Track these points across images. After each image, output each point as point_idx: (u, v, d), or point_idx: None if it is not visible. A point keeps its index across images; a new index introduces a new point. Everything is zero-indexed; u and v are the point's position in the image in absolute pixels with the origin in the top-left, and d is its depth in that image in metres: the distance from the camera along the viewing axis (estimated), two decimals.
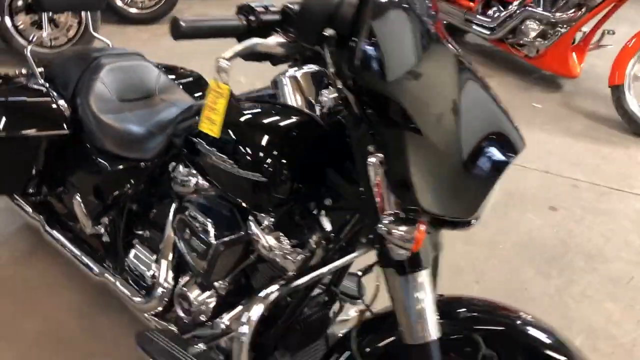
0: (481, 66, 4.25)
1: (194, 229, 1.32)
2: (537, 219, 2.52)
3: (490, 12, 4.18)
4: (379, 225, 1.00)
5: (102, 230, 1.71)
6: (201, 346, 1.41)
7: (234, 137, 1.16)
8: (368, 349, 1.12)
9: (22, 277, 2.03)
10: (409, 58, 0.92)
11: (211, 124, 0.84)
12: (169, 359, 1.34)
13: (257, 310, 1.16)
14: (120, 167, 1.62)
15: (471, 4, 4.30)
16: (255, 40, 0.90)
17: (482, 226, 2.39)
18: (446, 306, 1.15)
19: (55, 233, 1.82)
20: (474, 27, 4.19)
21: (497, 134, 1.00)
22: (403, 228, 0.97)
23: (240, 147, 1.15)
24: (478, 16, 4.18)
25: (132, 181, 1.61)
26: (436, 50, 0.98)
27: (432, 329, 1.04)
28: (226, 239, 1.28)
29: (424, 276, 1.04)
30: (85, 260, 1.72)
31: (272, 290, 1.19)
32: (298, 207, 1.25)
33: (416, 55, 0.93)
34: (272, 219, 1.25)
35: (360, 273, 1.26)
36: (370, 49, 0.88)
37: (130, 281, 1.63)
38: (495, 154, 0.99)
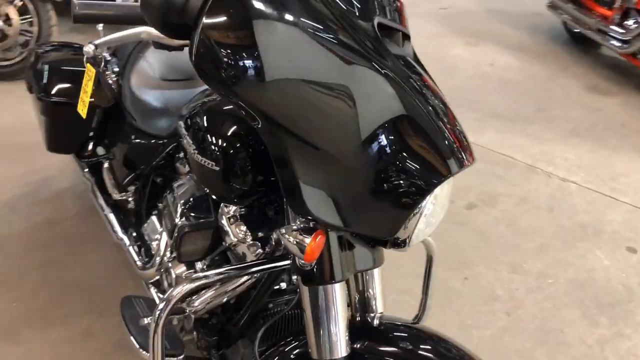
0: (605, 81, 3.83)
1: (169, 208, 1.38)
2: (607, 259, 2.23)
3: (627, 22, 3.74)
4: (279, 231, 0.97)
5: (128, 197, 1.84)
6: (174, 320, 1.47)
7: (196, 124, 1.18)
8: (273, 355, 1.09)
9: (79, 231, 2.28)
10: (281, 60, 0.81)
11: (83, 105, 0.86)
12: (135, 327, 1.42)
13: (180, 289, 1.15)
14: (145, 141, 1.72)
15: (608, 12, 3.88)
16: (137, 30, 0.89)
17: (537, 256, 2.27)
18: (389, 330, 1.08)
19: (98, 195, 1.99)
20: (607, 38, 3.78)
21: (427, 151, 0.90)
22: (299, 237, 0.93)
23: (200, 135, 1.18)
24: (612, 27, 3.76)
25: (155, 156, 1.71)
26: (359, 50, 0.90)
27: (339, 347, 0.99)
28: (192, 221, 1.32)
29: (333, 290, 0.99)
30: (111, 222, 1.87)
31: (209, 274, 1.20)
32: (265, 202, 1.25)
33: (304, 57, 0.83)
34: (239, 211, 1.26)
35: None
36: (204, 48, 0.80)
37: (141, 248, 1.74)
38: (418, 175, 0.88)
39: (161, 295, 1.62)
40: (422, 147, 0.88)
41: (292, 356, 1.08)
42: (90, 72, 0.85)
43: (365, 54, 0.86)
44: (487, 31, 4.60)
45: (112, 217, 1.90)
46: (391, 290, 2.01)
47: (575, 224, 2.39)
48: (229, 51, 0.78)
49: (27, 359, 1.75)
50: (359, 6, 0.89)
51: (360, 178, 0.86)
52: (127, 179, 1.82)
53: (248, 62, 0.78)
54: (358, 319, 1.10)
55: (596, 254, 2.25)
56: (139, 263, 1.69)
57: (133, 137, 1.76)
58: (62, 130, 1.96)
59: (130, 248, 1.76)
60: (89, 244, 2.20)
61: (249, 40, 0.77)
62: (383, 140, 0.86)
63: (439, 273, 2.10)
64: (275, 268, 1.11)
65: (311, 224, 0.95)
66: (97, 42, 0.85)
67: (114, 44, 0.87)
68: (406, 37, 1.02)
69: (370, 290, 1.14)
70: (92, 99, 1.87)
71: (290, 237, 0.94)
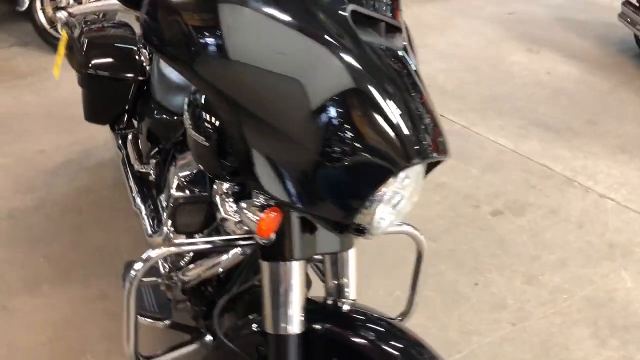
0: None
1: (169, 179, 1.45)
2: (632, 281, 2.13)
3: None
4: (240, 205, 1.00)
5: (150, 170, 1.94)
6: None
7: (194, 101, 1.24)
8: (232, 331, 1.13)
9: (113, 200, 2.42)
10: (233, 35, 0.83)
11: (56, 66, 0.93)
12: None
13: (158, 252, 1.19)
14: (167, 117, 1.81)
15: None
16: (111, 1, 0.94)
17: (556, 269, 2.20)
18: (358, 318, 1.10)
19: (125, 165, 2.11)
20: None
21: (385, 138, 0.91)
22: (257, 212, 0.97)
23: (196, 111, 1.23)
24: None
25: (175, 132, 1.80)
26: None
27: (292, 324, 1.02)
28: (186, 193, 1.38)
29: (291, 268, 1.02)
30: (132, 191, 1.98)
31: (189, 241, 1.25)
32: None
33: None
34: (232, 188, 1.32)
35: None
36: (152, 19, 0.82)
37: (154, 219, 1.84)
38: (372, 161, 0.89)
39: (165, 265, 1.70)
40: (380, 133, 0.87)
41: (252, 329, 1.13)
42: (63, 37, 0.92)
43: (327, 38, 0.87)
44: (551, 39, 4.44)
45: (133, 186, 2.00)
46: (398, 287, 2.01)
47: (604, 242, 2.29)
48: (178, 21, 0.81)
49: (43, 311, 1.88)
50: None
51: (312, 159, 0.87)
52: (150, 152, 1.92)
53: (200, 36, 0.80)
54: (329, 302, 1.13)
55: (621, 274, 2.15)
56: (149, 231, 1.78)
57: (156, 112, 1.85)
58: (99, 102, 2.09)
59: (145, 216, 1.86)
60: (120, 213, 2.33)
61: (203, 14, 0.81)
62: (335, 123, 0.86)
63: (449, 275, 2.09)
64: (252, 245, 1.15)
65: (272, 202, 0.98)
66: (71, 10, 0.92)
67: (88, 12, 0.93)
68: (395, 29, 1.03)
69: (344, 277, 1.17)
70: (131, 74, 1.99)
71: (248, 212, 0.98)
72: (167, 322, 1.44)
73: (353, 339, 1.05)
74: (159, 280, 1.42)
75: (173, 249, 1.18)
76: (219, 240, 1.16)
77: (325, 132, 0.86)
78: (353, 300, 1.20)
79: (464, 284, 2.07)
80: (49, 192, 2.47)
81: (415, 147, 0.89)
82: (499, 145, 2.97)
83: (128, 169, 2.10)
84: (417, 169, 0.99)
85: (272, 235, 0.99)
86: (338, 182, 0.88)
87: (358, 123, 0.86)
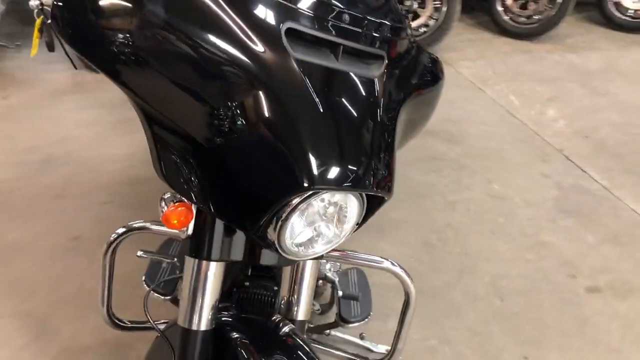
0: None
1: None
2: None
3: None
4: (163, 195, 1.06)
5: None
6: None
7: None
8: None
9: (152, 190, 2.53)
10: None
11: (34, 48, 1.07)
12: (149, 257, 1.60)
13: (132, 226, 1.30)
14: None
15: None
16: None
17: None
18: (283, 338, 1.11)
19: None
20: None
21: (286, 157, 0.86)
22: (168, 200, 1.02)
23: None
24: None
25: None
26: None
27: (201, 321, 1.05)
28: None
29: (206, 267, 1.04)
30: None
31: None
32: None
33: None
34: None
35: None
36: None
37: None
38: (274, 178, 0.87)
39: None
40: (286, 151, 0.86)
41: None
42: (37, 23, 1.06)
43: (244, 49, 0.87)
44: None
45: None
46: (436, 336, 1.88)
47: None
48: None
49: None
50: (268, 10, 0.90)
51: (216, 166, 0.89)
52: None
53: (113, 38, 0.82)
54: (277, 318, 1.14)
55: None
56: None
57: None
58: None
59: None
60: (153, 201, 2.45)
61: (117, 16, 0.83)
62: (240, 134, 0.87)
63: (498, 339, 1.89)
64: None
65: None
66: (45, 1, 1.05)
67: None
68: (376, 57, 1.01)
69: (295, 295, 1.17)
70: None
71: (163, 202, 1.04)
72: (167, 297, 1.55)
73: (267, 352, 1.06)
74: (166, 259, 1.54)
75: (148, 225, 1.29)
76: None
77: (230, 139, 0.87)
78: (301, 320, 1.19)
79: (510, 353, 1.85)
80: (100, 177, 2.77)
81: (326, 174, 0.87)
82: (638, 216, 2.55)
83: None
84: (349, 199, 0.95)
85: (186, 230, 1.04)
86: (241, 189, 0.89)
87: (265, 135, 0.87)
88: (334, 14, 0.95)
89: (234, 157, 0.88)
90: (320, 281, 1.60)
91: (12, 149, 2.81)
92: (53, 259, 2.10)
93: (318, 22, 0.93)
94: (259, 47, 0.87)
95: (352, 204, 0.96)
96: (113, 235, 1.30)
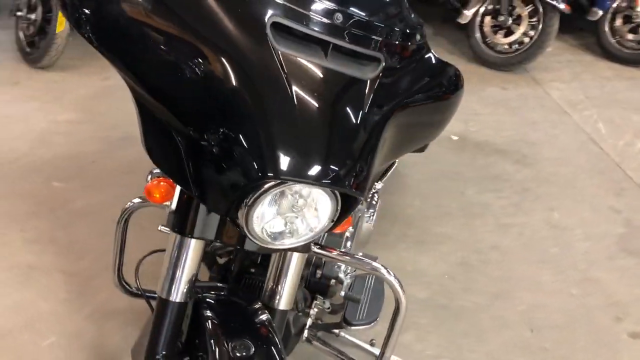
0: None
1: None
2: None
3: None
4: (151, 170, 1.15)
5: None
6: None
7: None
8: None
9: None
10: None
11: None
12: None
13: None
14: None
15: None
16: None
17: None
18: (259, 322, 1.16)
19: None
20: None
21: (254, 146, 0.91)
22: (152, 176, 1.11)
23: None
24: None
25: None
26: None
27: (178, 292, 1.12)
28: None
29: (186, 243, 1.10)
30: None
31: None
32: None
33: None
34: None
35: None
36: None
37: None
38: (243, 164, 0.91)
39: None
40: (253, 140, 0.90)
41: None
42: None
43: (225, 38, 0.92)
44: None
45: None
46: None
47: None
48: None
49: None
50: (258, 2, 0.94)
51: (193, 147, 0.95)
52: None
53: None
54: (257, 305, 1.20)
55: None
56: None
57: None
58: None
59: None
60: None
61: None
62: (215, 119, 0.93)
63: None
64: None
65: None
66: None
67: None
68: (373, 59, 1.04)
69: (280, 285, 1.23)
70: None
71: (149, 176, 1.13)
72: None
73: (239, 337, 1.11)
74: None
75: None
76: None
77: (207, 123, 0.92)
78: (282, 309, 1.24)
79: None
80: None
81: (292, 166, 0.91)
82: None
83: None
84: (320, 195, 0.99)
85: (169, 205, 1.12)
86: (215, 170, 0.94)
87: (239, 122, 0.92)
88: (324, 12, 0.97)
89: (209, 139, 0.93)
90: (333, 281, 1.63)
91: (100, 125, 3.09)
92: (111, 228, 2.29)
93: (306, 18, 0.96)
94: (243, 38, 0.92)
95: (323, 200, 0.99)
96: (128, 204, 1.40)
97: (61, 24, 3.39)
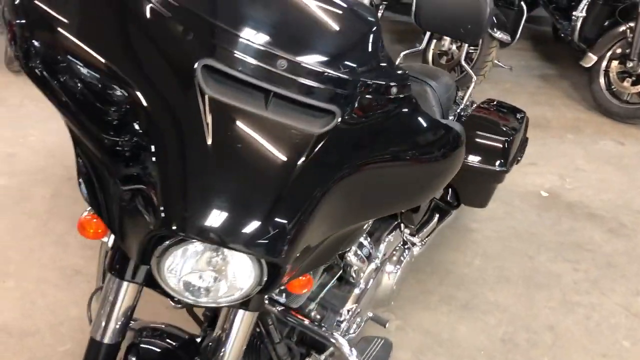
0: None
1: None
2: None
3: None
4: None
5: None
6: None
7: None
8: None
9: None
10: None
11: None
12: None
13: None
14: None
15: None
16: None
17: None
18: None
19: None
20: None
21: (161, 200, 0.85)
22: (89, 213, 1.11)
23: None
24: None
25: None
26: None
27: (107, 333, 1.08)
28: None
29: (117, 285, 1.06)
30: None
31: None
32: None
33: None
34: None
35: None
36: None
37: None
38: (144, 214, 0.87)
39: None
40: (163, 188, 0.86)
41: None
42: None
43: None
44: None
45: None
46: None
47: None
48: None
49: None
50: (189, 44, 0.89)
51: (111, 189, 0.92)
52: None
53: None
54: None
55: None
56: None
57: None
58: None
59: None
60: None
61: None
62: (132, 161, 0.90)
63: None
64: None
65: None
66: None
67: None
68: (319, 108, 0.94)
69: (219, 344, 1.16)
70: None
71: (86, 211, 1.12)
72: None
73: None
74: None
75: None
76: None
77: (126, 163, 0.90)
78: None
79: None
80: None
81: (201, 222, 0.84)
82: None
83: None
84: (234, 256, 0.92)
85: (106, 242, 1.11)
86: (127, 216, 0.92)
87: (150, 167, 0.88)
88: (265, 57, 0.89)
89: (125, 181, 0.90)
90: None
91: None
92: None
93: (243, 64, 0.89)
94: (170, 79, 0.88)
95: (237, 262, 0.92)
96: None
97: None
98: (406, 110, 1.05)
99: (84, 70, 0.90)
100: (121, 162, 0.90)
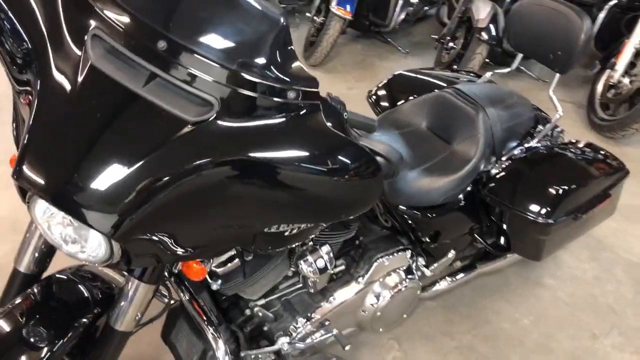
0: None
1: None
2: None
3: None
4: None
5: None
6: None
7: None
8: None
9: None
10: None
11: None
12: None
13: None
14: None
15: None
16: None
17: None
18: None
19: None
20: None
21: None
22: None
23: None
24: None
25: None
26: None
27: (23, 262, 1.27)
28: None
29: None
30: None
31: None
32: None
33: None
34: None
35: None
36: None
37: None
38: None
39: None
40: (26, 137, 0.90)
41: None
42: None
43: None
44: None
45: None
46: None
47: None
48: None
49: None
50: (86, 14, 0.95)
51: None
52: None
53: None
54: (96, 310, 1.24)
55: None
56: None
57: None
58: None
59: None
60: None
61: None
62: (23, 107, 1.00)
63: None
64: None
65: None
66: None
67: None
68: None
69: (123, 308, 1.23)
70: None
71: None
72: None
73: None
74: None
75: None
76: None
77: (22, 103, 0.99)
78: (122, 331, 1.23)
79: None
80: None
81: (41, 178, 0.87)
82: None
83: None
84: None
85: None
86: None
87: (30, 116, 0.93)
88: (146, 35, 0.91)
89: (17, 126, 1.06)
90: (275, 356, 1.56)
91: None
92: None
93: (127, 39, 0.92)
94: (65, 42, 0.95)
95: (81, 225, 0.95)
96: None
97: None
98: (308, 119, 0.98)
99: (7, 24, 0.98)
100: (24, 104, 0.98)
